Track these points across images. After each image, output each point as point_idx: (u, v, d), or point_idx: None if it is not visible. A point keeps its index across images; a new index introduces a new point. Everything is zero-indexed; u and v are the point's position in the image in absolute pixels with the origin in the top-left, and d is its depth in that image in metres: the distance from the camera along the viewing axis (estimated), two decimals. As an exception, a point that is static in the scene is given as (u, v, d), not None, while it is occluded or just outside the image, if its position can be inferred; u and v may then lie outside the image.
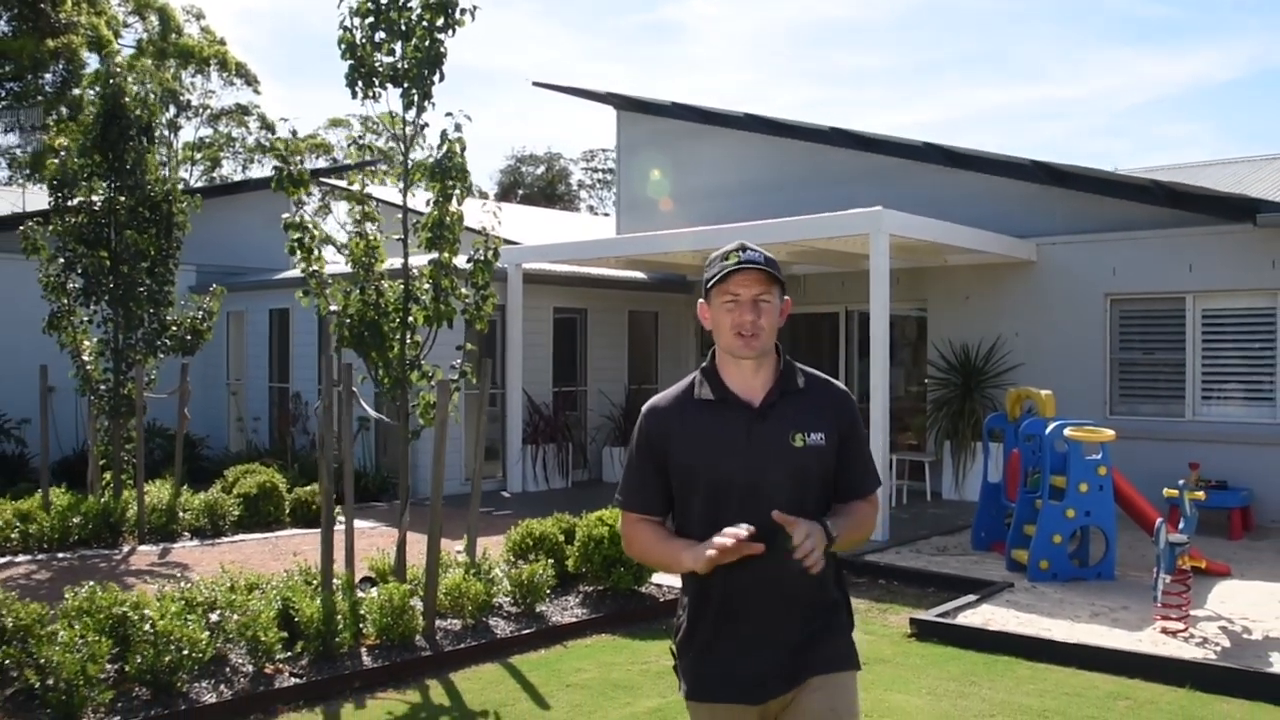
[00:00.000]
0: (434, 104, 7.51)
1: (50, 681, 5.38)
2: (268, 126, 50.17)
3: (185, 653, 5.82)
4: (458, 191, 7.23)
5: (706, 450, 2.96)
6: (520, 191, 57.91)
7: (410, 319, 7.34)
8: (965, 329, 13.79)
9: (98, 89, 10.53)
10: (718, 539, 2.73)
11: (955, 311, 13.99)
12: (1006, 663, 6.93)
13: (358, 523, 9.15)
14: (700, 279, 10.97)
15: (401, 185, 7.47)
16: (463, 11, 7.40)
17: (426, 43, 7.36)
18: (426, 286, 7.33)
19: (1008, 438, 10.26)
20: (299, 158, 7.23)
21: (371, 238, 7.31)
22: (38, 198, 19.41)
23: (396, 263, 7.63)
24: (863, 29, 75.17)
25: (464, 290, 7.46)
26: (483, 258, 7.39)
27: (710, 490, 2.95)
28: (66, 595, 6.33)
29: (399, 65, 7.39)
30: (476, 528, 8.00)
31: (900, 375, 14.84)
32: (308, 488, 11.67)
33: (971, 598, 8.28)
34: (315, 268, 7.33)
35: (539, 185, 60.20)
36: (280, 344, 16.62)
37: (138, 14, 47.21)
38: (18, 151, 45.57)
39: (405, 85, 7.40)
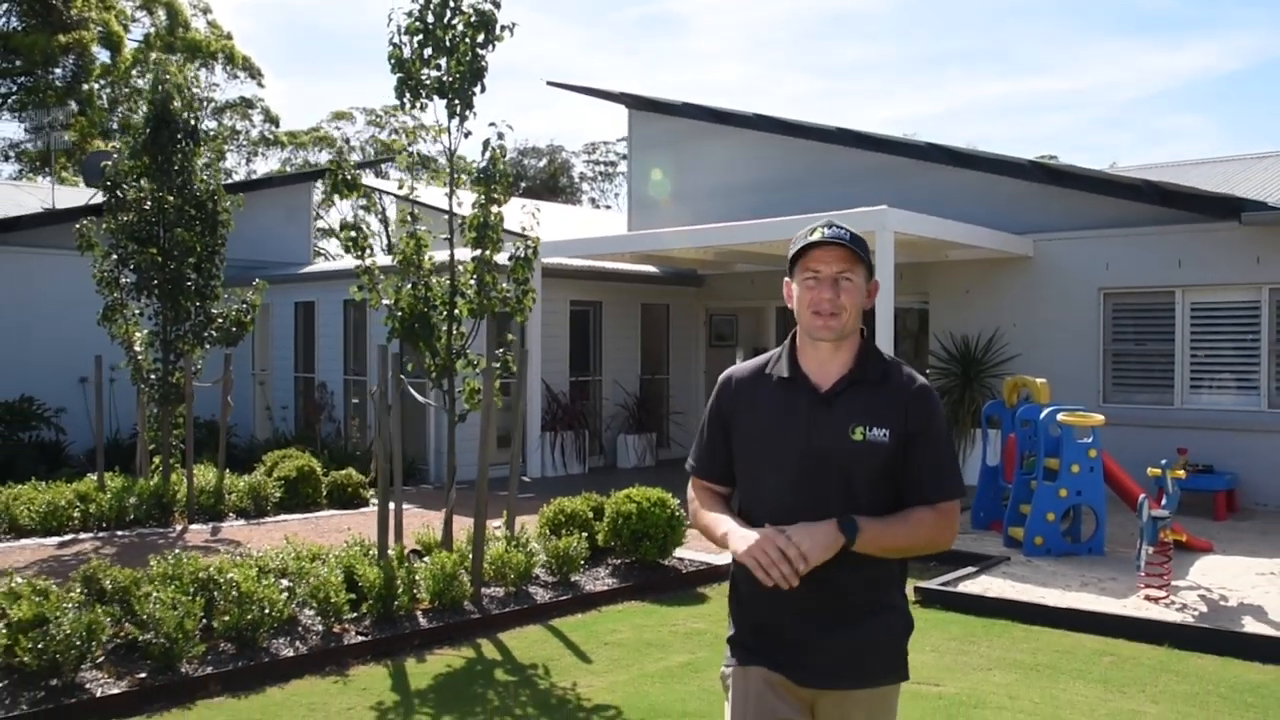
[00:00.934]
0: (475, 113, 8.14)
1: (151, 636, 6.04)
2: (271, 120, 50.73)
3: (266, 611, 6.50)
4: (499, 195, 7.87)
5: (767, 429, 2.89)
6: (523, 184, 58.42)
7: (456, 311, 7.98)
8: (965, 321, 14.44)
9: (147, 94, 11.13)
10: (763, 550, 2.66)
11: (956, 304, 14.63)
12: (1003, 625, 7.60)
13: (390, 504, 9.74)
14: (707, 273, 11.76)
15: (448, 189, 8.11)
16: (502, 28, 8.04)
17: (469, 57, 7.99)
18: (471, 281, 7.97)
19: (1005, 423, 10.90)
20: (352, 165, 7.85)
21: (420, 237, 7.95)
22: (67, 195, 20.08)
23: (437, 256, 8.26)
24: (863, 22, 75.74)
25: (505, 285, 8.11)
26: (523, 255, 8.04)
27: (765, 471, 2.89)
28: (152, 562, 7.00)
29: (444, 79, 8.02)
30: (515, 504, 8.66)
31: (909, 349, 15.49)
32: (342, 471, 12.33)
33: (971, 569, 8.95)
34: (368, 264, 7.96)
35: (541, 178, 60.63)
36: (306, 336, 17.27)
37: (145, 9, 47.66)
38: (28, 146, 46.17)
39: (450, 97, 8.03)
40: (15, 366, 15.96)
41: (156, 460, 11.46)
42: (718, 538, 2.89)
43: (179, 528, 10.66)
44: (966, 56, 76.18)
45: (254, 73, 50.17)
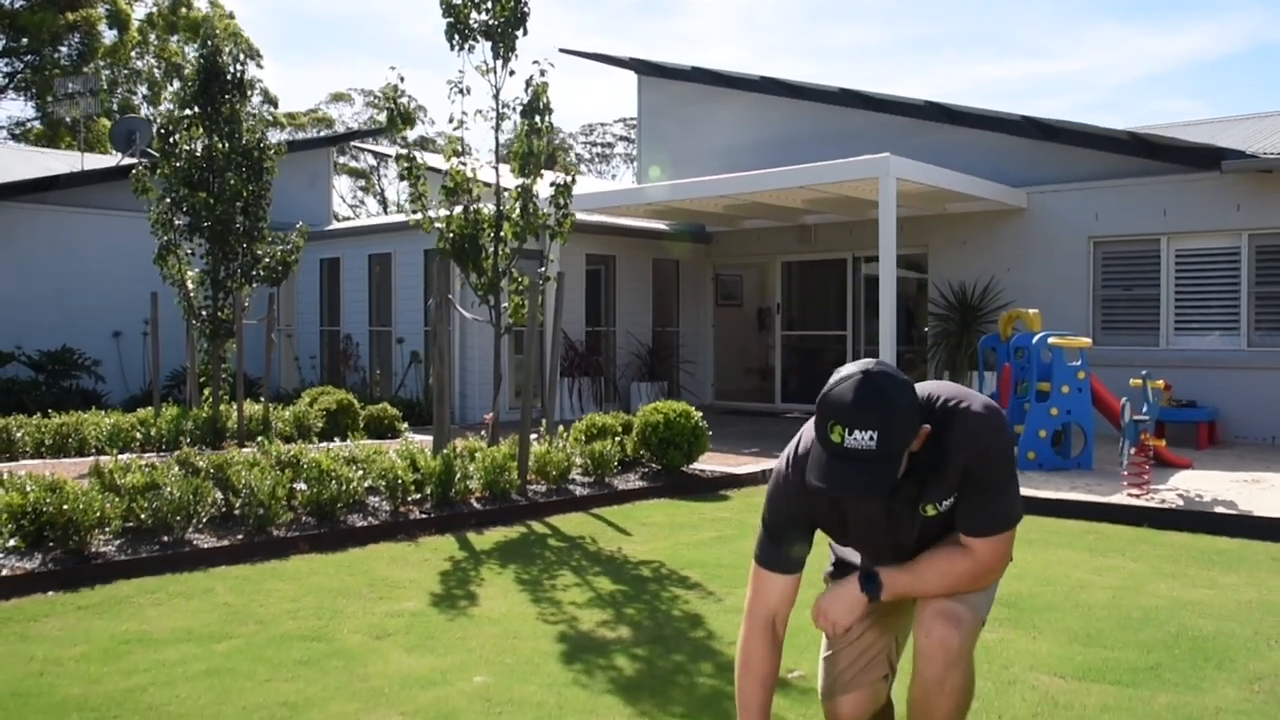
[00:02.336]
0: (518, 55, 8.90)
1: (246, 503, 6.84)
2: (270, 101, 51.31)
3: (342, 488, 7.28)
4: (543, 126, 8.64)
5: (847, 529, 3.00)
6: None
7: (502, 234, 8.76)
8: (962, 271, 15.24)
9: (197, 49, 11.85)
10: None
11: (953, 255, 15.43)
12: (998, 514, 8.40)
13: (418, 436, 10.57)
14: (716, 230, 12.66)
15: (494, 123, 8.87)
16: (542, -24, 8.80)
17: (512, 3, 8.75)
18: (515, 206, 8.75)
19: (1000, 355, 11.70)
20: (407, 98, 8.62)
21: (470, 165, 8.72)
22: (92, 161, 20.80)
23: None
24: (858, 5, 76.33)
25: (545, 210, 8.88)
26: (563, 182, 8.81)
27: (851, 546, 3.12)
28: (231, 451, 7.80)
29: (490, 22, 8.77)
30: (554, 413, 9.46)
31: (903, 314, 16.28)
32: (378, 405, 13.12)
33: (969, 476, 9.74)
34: (421, 191, 8.73)
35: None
36: (331, 291, 18.04)
37: (149, -13, 48.06)
38: (34, 124, 46.77)
39: (495, 40, 8.79)
40: (52, 321, 16.69)
41: (206, 392, 12.23)
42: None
43: (231, 452, 11.41)
44: (961, 39, 76.83)
45: (253, 54, 50.68)
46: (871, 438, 2.54)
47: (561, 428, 9.74)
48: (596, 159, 63.54)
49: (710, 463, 10.24)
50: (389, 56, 75.28)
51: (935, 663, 2.84)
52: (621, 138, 63.12)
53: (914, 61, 76.50)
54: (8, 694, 4.11)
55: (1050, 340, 10.41)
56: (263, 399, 12.51)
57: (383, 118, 9.11)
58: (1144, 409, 9.15)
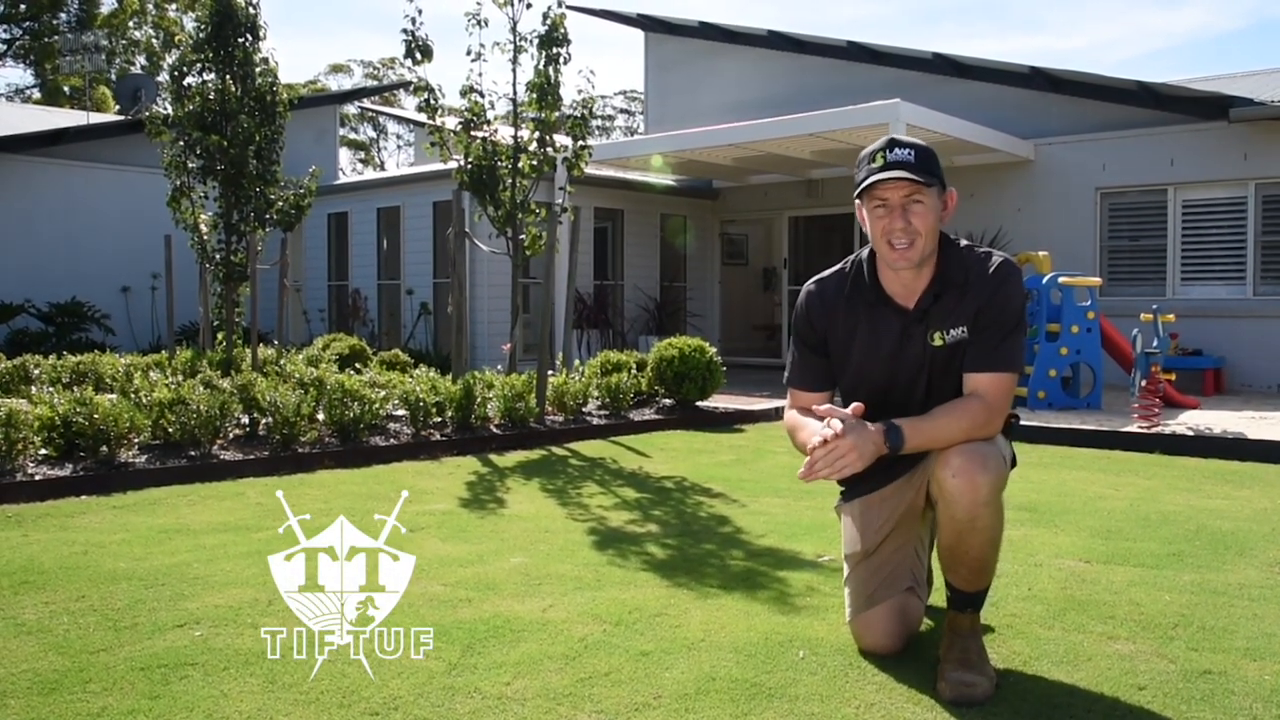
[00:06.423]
0: (534, -11, 8.91)
1: (272, 420, 6.91)
2: (271, 71, 51.17)
3: (365, 408, 7.36)
4: (561, 56, 8.66)
5: (859, 350, 3.05)
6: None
7: (520, 165, 8.80)
8: (970, 223, 15.27)
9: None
10: (815, 440, 2.79)
11: (960, 208, 15.42)
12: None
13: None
14: (722, 185, 12.86)
15: (511, 55, 8.89)
16: (559, -91, 8.80)
17: (528, -69, 8.76)
18: (533, 139, 8.78)
19: (1009, 299, 11.76)
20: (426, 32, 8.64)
21: (488, 98, 8.76)
22: (100, 121, 20.80)
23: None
24: (860, -24, 75.93)
25: (563, 143, 8.92)
26: (579, 115, 8.85)
27: (862, 385, 3.08)
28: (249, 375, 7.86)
29: (506, -50, 8.78)
30: (572, 349, 9.53)
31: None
32: (389, 352, 13.18)
33: (980, 411, 9.82)
34: (439, 123, 8.76)
35: (539, 133, 60.78)
36: (339, 245, 18.07)
37: (148, -44, 47.87)
38: (34, 91, 46.68)
39: (511, -29, 8.80)
40: (60, 276, 16.76)
41: (220, 335, 12.29)
42: (802, 446, 2.97)
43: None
44: (961, 13, 76.53)
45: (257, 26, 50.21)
46: (910, 153, 2.86)
47: (578, 361, 9.82)
48: (598, 131, 63.56)
49: (723, 402, 10.32)
50: (387, 31, 74.93)
51: (962, 502, 2.80)
52: (623, 110, 63.09)
53: (913, 37, 76.26)
54: (56, 569, 4.20)
55: (1060, 280, 10.47)
56: (275, 342, 12.56)
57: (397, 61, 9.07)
58: (1154, 343, 9.23)
